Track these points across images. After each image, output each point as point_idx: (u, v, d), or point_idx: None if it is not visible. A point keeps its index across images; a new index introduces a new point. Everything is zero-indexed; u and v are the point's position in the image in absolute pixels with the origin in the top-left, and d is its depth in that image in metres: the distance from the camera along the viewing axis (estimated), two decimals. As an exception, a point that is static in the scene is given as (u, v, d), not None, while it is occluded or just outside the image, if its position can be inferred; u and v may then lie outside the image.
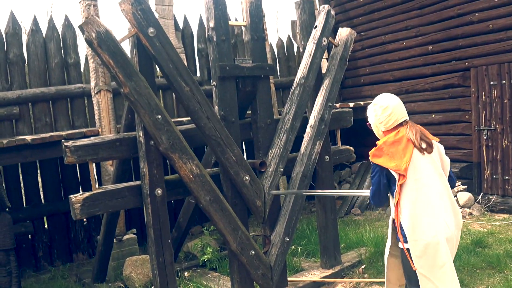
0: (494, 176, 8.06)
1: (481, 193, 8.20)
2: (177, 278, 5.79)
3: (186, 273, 6.05)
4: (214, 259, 6.25)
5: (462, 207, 7.97)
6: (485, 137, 8.16)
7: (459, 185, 8.33)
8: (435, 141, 3.60)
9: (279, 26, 29.49)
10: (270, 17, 29.49)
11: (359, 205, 8.72)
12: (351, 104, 8.79)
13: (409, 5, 9.27)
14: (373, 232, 6.85)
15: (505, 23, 7.85)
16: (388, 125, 3.58)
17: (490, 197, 8.07)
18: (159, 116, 4.07)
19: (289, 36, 10.06)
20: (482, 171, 8.25)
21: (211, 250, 6.31)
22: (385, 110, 3.56)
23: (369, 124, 3.74)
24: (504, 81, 7.86)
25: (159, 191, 4.27)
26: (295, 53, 9.95)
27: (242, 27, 5.36)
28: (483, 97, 8.16)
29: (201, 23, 8.87)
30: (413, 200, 3.42)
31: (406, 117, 3.61)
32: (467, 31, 8.41)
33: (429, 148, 3.52)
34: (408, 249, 3.45)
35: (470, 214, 7.85)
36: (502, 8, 7.85)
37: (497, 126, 7.99)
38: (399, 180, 3.41)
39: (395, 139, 3.47)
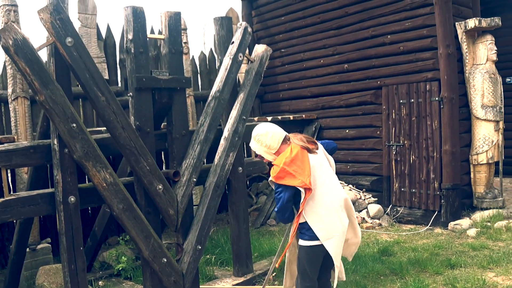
0: (402, 189, 8.53)
1: (390, 205, 8.66)
2: (91, 287, 5.82)
3: (100, 282, 6.05)
4: (129, 268, 6.26)
5: (372, 218, 8.37)
6: (394, 152, 8.63)
7: (370, 197, 8.76)
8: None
9: (206, 39, 29.62)
10: (197, 31, 29.59)
11: (275, 216, 8.96)
12: (269, 118, 9.06)
13: (327, 25, 9.68)
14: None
15: (414, 45, 8.38)
16: (275, 146, 4.02)
17: (398, 208, 8.53)
18: (74, 125, 4.13)
19: (211, 50, 10.24)
20: (391, 184, 8.71)
21: (126, 259, 6.33)
22: (266, 135, 4.02)
23: (261, 157, 4.10)
24: (412, 100, 8.36)
25: (72, 199, 4.31)
26: (217, 67, 10.10)
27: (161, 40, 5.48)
28: (393, 115, 8.64)
29: (123, 33, 8.88)
30: (318, 204, 3.86)
31: (284, 132, 4.07)
32: (380, 52, 8.89)
33: (315, 145, 4.02)
34: (310, 246, 3.89)
35: (380, 225, 8.26)
36: (413, 32, 8.38)
37: (406, 142, 8.48)
38: (306, 194, 3.79)
39: (292, 157, 3.84)
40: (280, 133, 4.05)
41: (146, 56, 4.79)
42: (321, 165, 3.99)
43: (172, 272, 4.74)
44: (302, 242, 3.97)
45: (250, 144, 4.14)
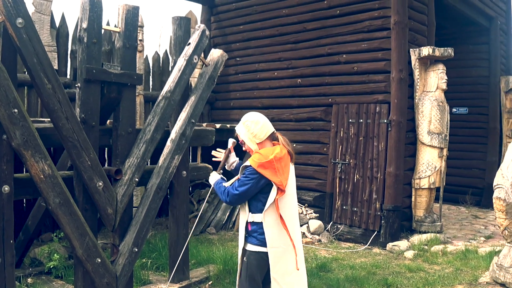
0: (344, 207, 8.59)
1: (331, 222, 8.70)
2: (19, 284, 5.56)
3: (29, 280, 5.78)
4: (60, 266, 6.03)
5: (312, 233, 8.39)
6: (339, 170, 8.69)
7: (311, 213, 8.78)
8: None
9: (162, 41, 29.32)
10: (153, 32, 29.23)
11: (215, 225, 8.87)
12: (218, 125, 8.98)
13: (285, 38, 9.72)
14: (223, 250, 7.00)
15: (368, 67, 8.50)
16: (262, 136, 3.91)
17: (339, 226, 8.58)
18: (16, 110, 3.93)
19: (166, 51, 10.11)
20: (334, 201, 8.76)
21: (58, 257, 6.09)
22: (256, 124, 3.91)
23: (242, 141, 3.99)
24: (361, 120, 8.46)
25: (6, 188, 4.10)
26: (170, 68, 9.98)
27: (116, 34, 5.34)
28: (341, 133, 8.71)
29: (78, 23, 8.65)
30: (281, 212, 3.79)
31: (273, 129, 4.00)
32: (334, 70, 8.98)
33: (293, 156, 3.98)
34: (259, 252, 3.81)
35: (319, 241, 8.28)
36: (368, 54, 8.51)
37: (351, 160, 8.56)
38: (278, 194, 3.76)
39: (281, 156, 3.80)
40: (270, 127, 3.97)
41: (99, 47, 4.64)
42: (292, 178, 3.97)
43: (105, 273, 4.58)
44: (251, 247, 3.87)
45: (237, 127, 4.02)
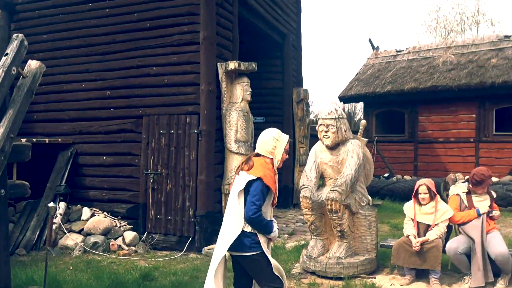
0: (158, 216, 8.76)
1: (146, 232, 8.80)
2: None
3: None
4: None
5: (128, 245, 8.41)
6: (151, 180, 8.84)
7: (125, 225, 8.80)
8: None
9: None
10: None
11: (25, 245, 8.36)
12: (23, 140, 8.52)
13: (93, 49, 9.60)
14: (42, 272, 6.70)
15: (178, 79, 8.83)
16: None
17: (154, 235, 8.72)
18: None
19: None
20: (147, 211, 8.88)
21: None
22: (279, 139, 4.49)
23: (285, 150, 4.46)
24: (172, 131, 8.73)
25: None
26: None
27: None
28: (153, 144, 8.89)
29: None
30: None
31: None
32: (144, 82, 9.13)
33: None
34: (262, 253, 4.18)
35: (136, 251, 8.33)
36: (178, 66, 8.85)
37: (163, 171, 8.77)
38: (273, 201, 4.33)
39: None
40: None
41: None
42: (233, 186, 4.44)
43: None
44: (254, 252, 4.17)
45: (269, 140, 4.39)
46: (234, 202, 4.24)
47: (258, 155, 4.37)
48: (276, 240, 8.67)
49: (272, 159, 4.34)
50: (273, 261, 4.22)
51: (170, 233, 8.68)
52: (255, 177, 4.13)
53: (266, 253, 4.19)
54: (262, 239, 4.19)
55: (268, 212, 4.29)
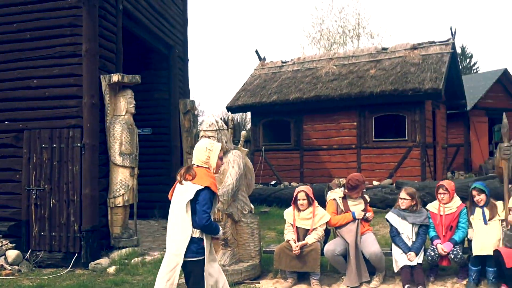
0: (42, 233, 8.53)
1: (30, 250, 8.52)
2: None
3: None
4: None
5: (11, 264, 8.09)
6: (34, 196, 8.60)
7: (7, 243, 8.47)
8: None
9: None
10: None
11: None
12: None
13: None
14: None
15: (61, 92, 8.67)
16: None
17: (38, 253, 8.46)
18: None
19: None
20: (31, 228, 8.61)
21: None
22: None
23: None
24: (55, 145, 8.56)
25: None
26: None
27: None
28: (35, 159, 8.65)
29: None
30: None
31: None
32: (25, 95, 8.86)
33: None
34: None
35: (19, 271, 8.04)
36: (60, 79, 8.68)
37: (46, 186, 8.57)
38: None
39: None
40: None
41: None
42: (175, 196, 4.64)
43: None
44: (199, 257, 4.44)
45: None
46: (181, 211, 4.44)
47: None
48: (164, 252, 8.73)
49: (208, 168, 4.59)
50: (213, 266, 4.62)
51: (55, 250, 8.47)
52: (203, 186, 4.38)
53: (207, 258, 4.49)
54: (206, 243, 4.47)
55: (212, 215, 4.54)
